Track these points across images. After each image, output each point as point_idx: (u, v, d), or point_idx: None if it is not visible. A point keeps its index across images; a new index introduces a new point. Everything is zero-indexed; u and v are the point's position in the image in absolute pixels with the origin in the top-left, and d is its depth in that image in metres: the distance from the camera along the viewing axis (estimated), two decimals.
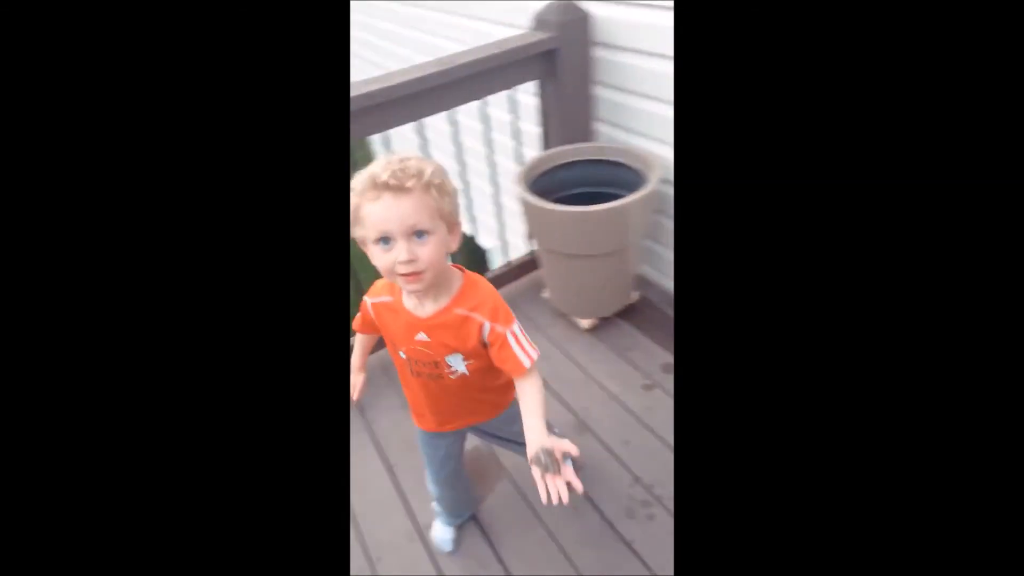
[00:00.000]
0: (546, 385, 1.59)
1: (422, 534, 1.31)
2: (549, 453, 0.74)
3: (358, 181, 0.75)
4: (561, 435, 0.79)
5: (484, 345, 0.86)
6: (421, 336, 0.87)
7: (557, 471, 0.73)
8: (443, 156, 1.42)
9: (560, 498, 0.71)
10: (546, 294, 1.87)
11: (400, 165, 0.74)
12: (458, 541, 1.28)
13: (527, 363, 0.83)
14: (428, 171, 0.74)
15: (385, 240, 0.75)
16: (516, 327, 0.85)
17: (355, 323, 1.00)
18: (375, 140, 2.08)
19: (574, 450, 0.76)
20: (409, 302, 0.87)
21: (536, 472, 0.74)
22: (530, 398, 0.83)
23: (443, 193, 0.76)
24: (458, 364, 0.89)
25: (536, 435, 0.78)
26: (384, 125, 1.41)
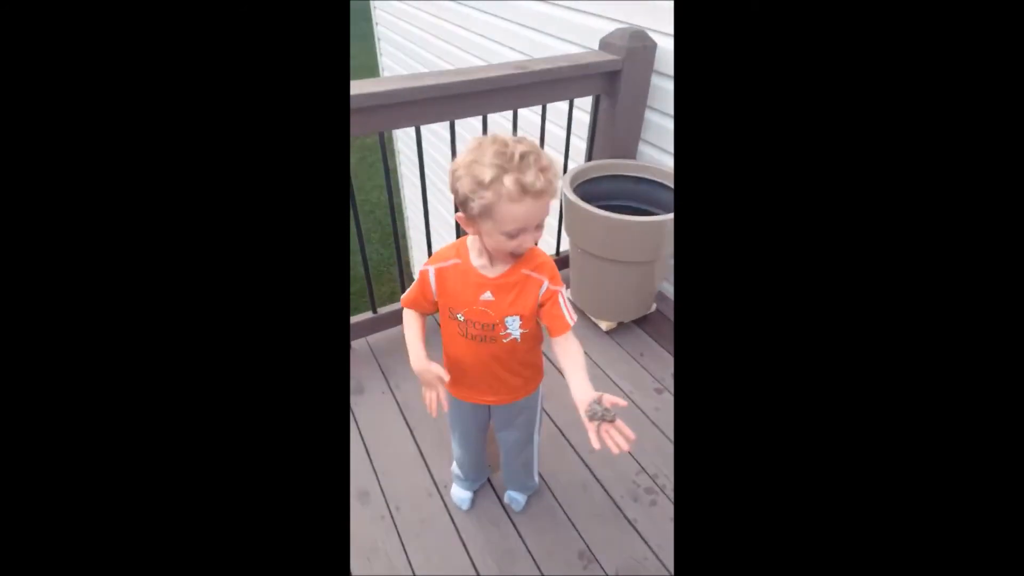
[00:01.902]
0: (563, 378, 1.70)
1: (440, 491, 1.40)
2: (601, 404, 0.82)
3: (486, 171, 0.77)
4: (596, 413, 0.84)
5: (539, 306, 0.94)
6: (487, 296, 0.93)
7: (612, 420, 0.81)
8: None
9: (617, 444, 0.80)
10: (570, 294, 1.99)
11: (541, 167, 0.78)
12: (474, 502, 1.38)
13: (571, 321, 0.93)
14: (557, 170, 0.81)
15: (515, 234, 0.82)
16: (566, 291, 0.95)
17: (406, 299, 1.01)
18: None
19: (622, 402, 0.83)
20: (478, 262, 0.93)
21: (590, 422, 0.82)
22: (575, 354, 0.93)
23: (558, 184, 0.83)
24: (514, 327, 0.96)
25: (584, 388, 0.87)
26: (454, 115, 1.53)
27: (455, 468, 1.36)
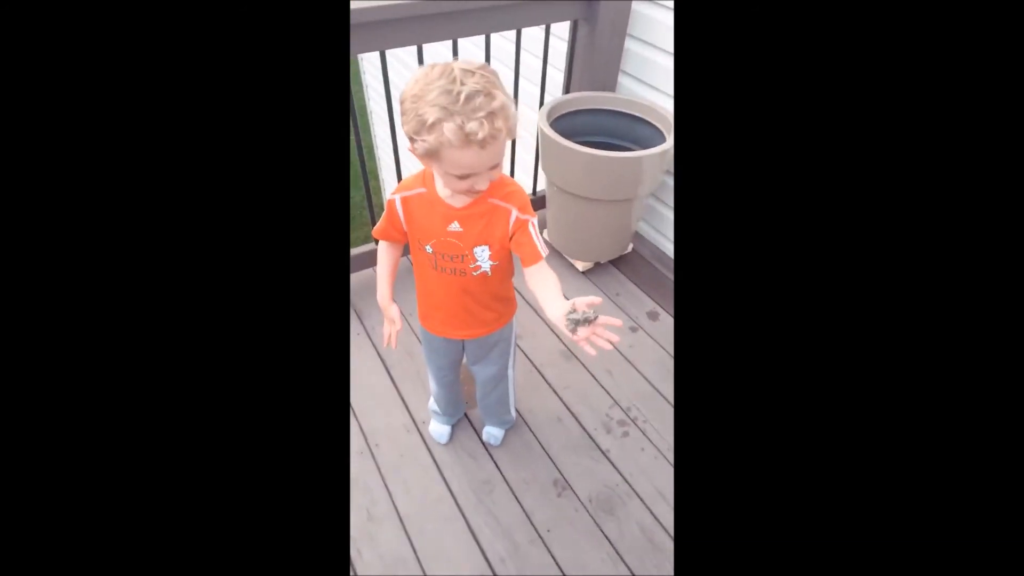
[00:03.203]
0: (538, 316, 1.71)
1: (419, 427, 1.42)
2: (576, 310, 0.75)
3: (428, 112, 0.71)
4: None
5: (509, 237, 0.91)
6: (454, 226, 0.91)
7: (594, 319, 0.75)
8: None
9: (609, 340, 0.74)
10: (546, 235, 1.96)
11: (489, 112, 0.71)
12: (452, 436, 1.41)
13: (543, 252, 0.90)
14: (509, 112, 0.73)
15: (465, 176, 0.78)
16: (536, 222, 0.91)
17: (377, 230, 1.00)
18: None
19: (596, 299, 0.76)
20: (443, 192, 0.89)
21: (574, 334, 0.76)
22: (549, 280, 0.88)
23: (512, 125, 0.76)
24: (483, 259, 0.94)
25: (558, 304, 0.81)
26: (421, 39, 1.42)
27: (432, 404, 1.38)
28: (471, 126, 0.71)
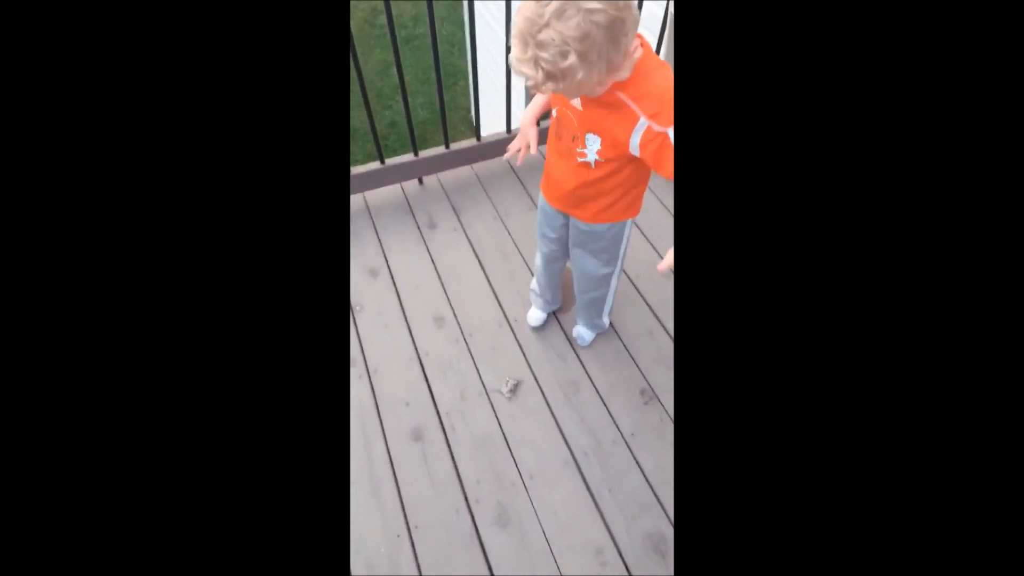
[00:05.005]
0: (636, 227, 1.64)
1: (511, 323, 1.46)
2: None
3: (513, 37, 0.71)
4: None
5: (639, 146, 0.82)
6: (576, 102, 0.86)
7: None
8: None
9: None
10: None
11: (542, 52, 0.68)
12: (545, 329, 1.44)
13: None
14: (563, 47, 0.67)
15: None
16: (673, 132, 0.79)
17: None
18: None
19: None
20: None
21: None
22: None
23: (593, 46, 0.68)
24: (592, 150, 0.88)
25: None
26: None
27: (533, 284, 1.40)
28: (525, 67, 0.70)
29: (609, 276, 1.20)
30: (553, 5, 0.65)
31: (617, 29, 0.68)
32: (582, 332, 1.40)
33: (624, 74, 0.76)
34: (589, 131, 0.87)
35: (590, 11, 0.65)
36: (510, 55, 0.72)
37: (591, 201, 1.00)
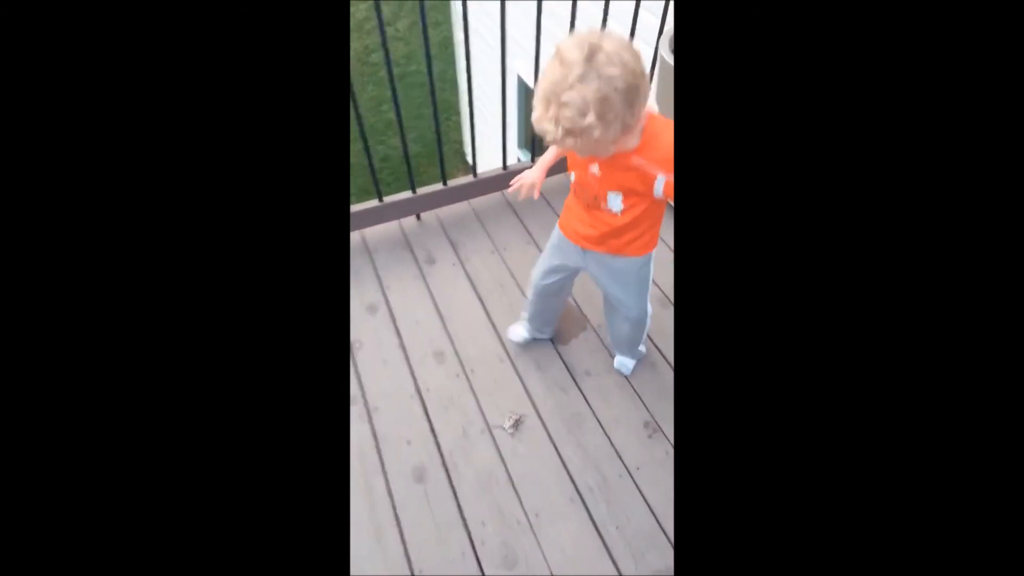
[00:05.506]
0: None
1: (510, 356, 1.46)
2: None
3: (536, 100, 0.76)
4: None
5: (651, 191, 0.91)
6: (594, 168, 0.94)
7: None
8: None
9: None
10: None
11: (562, 114, 0.74)
12: (540, 366, 1.44)
13: None
14: (584, 108, 0.72)
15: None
16: None
17: None
18: None
19: None
20: None
21: None
22: None
23: (611, 109, 0.74)
24: (615, 204, 0.96)
25: None
26: None
27: (524, 314, 1.42)
28: (547, 125, 0.76)
29: (644, 308, 1.22)
30: (577, 70, 0.72)
31: (633, 94, 0.75)
32: (625, 362, 1.41)
33: (634, 141, 0.85)
34: (610, 190, 0.95)
35: (610, 78, 0.72)
36: (533, 115, 0.78)
37: (614, 239, 1.05)
